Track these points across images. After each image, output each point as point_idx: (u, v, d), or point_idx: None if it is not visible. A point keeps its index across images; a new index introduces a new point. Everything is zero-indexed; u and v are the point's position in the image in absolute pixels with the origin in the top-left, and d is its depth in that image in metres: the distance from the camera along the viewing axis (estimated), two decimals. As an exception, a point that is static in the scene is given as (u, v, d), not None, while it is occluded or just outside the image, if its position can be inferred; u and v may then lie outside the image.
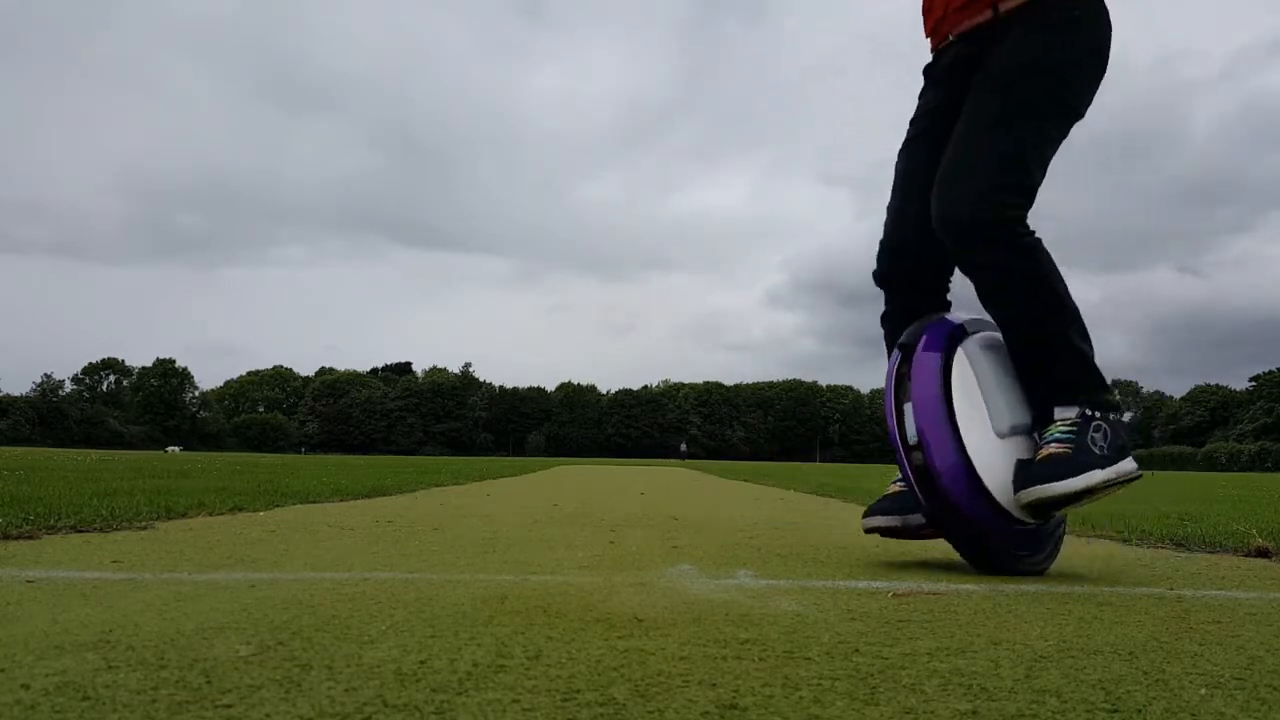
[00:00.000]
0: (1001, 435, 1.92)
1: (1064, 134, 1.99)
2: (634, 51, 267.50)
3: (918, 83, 2.23)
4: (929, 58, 2.20)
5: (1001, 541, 1.90)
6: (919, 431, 1.89)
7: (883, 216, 2.21)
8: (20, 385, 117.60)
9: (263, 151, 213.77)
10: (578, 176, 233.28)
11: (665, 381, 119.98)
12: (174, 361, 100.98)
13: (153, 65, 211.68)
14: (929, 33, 2.19)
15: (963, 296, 2.13)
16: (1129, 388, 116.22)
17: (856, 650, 1.13)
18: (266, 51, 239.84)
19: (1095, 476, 1.81)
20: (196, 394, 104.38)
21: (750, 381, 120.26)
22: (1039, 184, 1.96)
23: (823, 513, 4.28)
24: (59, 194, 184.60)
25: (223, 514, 3.28)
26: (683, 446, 77.56)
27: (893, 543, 2.66)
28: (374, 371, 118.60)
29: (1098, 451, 1.84)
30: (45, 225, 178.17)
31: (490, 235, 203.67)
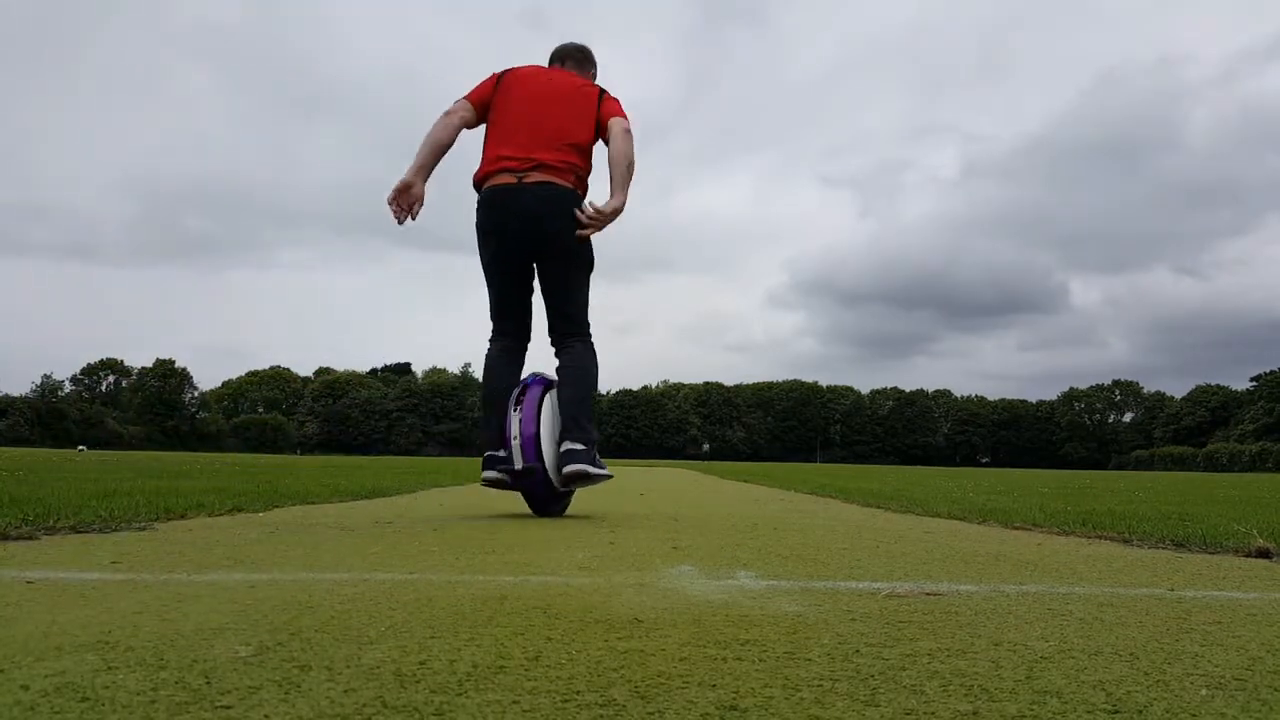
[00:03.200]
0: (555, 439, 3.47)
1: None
2: (636, 56, 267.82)
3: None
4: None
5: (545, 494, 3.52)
6: (520, 425, 3.47)
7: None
8: (20, 385, 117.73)
9: (268, 155, 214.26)
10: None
11: (665, 382, 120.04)
12: (173, 362, 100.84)
13: (159, 69, 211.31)
14: None
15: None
16: (1130, 388, 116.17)
17: (857, 651, 1.13)
18: (272, 56, 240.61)
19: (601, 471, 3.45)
20: (196, 395, 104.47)
21: (751, 382, 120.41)
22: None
23: (823, 513, 4.27)
24: (64, 197, 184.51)
25: (222, 515, 3.28)
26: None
27: (893, 544, 2.66)
28: (373, 372, 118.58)
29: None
30: (50, 227, 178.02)
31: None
